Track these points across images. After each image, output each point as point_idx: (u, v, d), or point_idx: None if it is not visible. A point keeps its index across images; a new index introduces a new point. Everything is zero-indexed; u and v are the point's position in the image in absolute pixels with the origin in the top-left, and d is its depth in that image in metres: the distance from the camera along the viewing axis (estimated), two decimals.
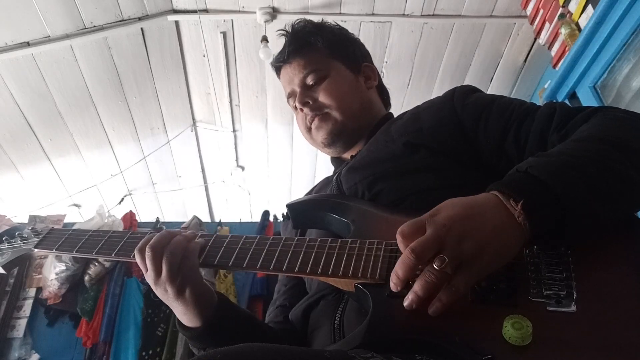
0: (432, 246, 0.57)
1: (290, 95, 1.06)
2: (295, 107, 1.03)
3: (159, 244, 0.76)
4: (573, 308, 0.56)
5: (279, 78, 1.10)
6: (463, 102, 0.89)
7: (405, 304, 0.59)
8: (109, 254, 0.85)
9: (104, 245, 0.86)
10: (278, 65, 1.08)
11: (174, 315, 0.82)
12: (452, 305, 0.57)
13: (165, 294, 0.77)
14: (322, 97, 1.00)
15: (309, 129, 1.03)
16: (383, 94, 1.14)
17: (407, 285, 0.60)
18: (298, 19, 1.08)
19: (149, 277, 0.77)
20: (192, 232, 0.82)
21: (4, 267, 0.92)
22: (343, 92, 1.01)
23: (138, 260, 0.78)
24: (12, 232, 0.97)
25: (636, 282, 0.58)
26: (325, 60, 1.03)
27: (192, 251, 0.77)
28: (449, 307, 0.57)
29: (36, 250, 0.92)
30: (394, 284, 0.60)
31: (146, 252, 0.75)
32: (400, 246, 0.61)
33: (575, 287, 0.58)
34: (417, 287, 0.57)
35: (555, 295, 0.58)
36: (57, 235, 0.92)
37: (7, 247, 0.96)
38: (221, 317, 0.80)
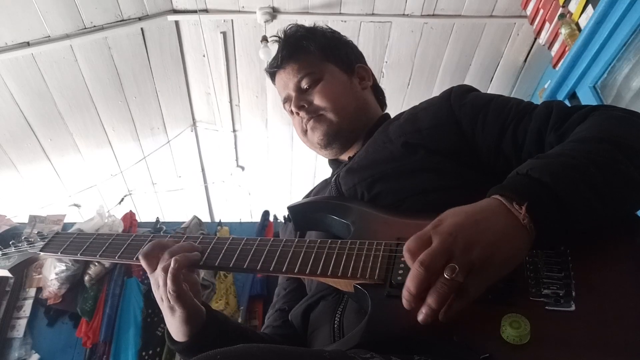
0: (441, 256, 0.55)
1: (286, 99, 1.06)
2: (292, 112, 1.04)
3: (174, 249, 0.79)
4: (572, 307, 0.56)
5: (274, 84, 1.10)
6: (460, 102, 0.89)
7: (420, 318, 0.56)
8: (112, 256, 0.86)
9: (107, 248, 0.88)
10: (272, 71, 1.08)
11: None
12: (462, 311, 0.55)
13: (161, 303, 0.79)
14: (317, 100, 1.00)
15: (305, 132, 1.04)
16: (378, 94, 1.14)
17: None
18: (290, 24, 1.09)
19: (154, 279, 0.79)
20: (190, 242, 0.82)
21: (10, 270, 0.93)
22: (337, 93, 1.01)
23: (144, 264, 0.80)
24: (14, 233, 0.98)
25: (635, 281, 0.58)
26: (318, 64, 1.03)
27: (195, 263, 0.79)
28: (459, 313, 0.55)
29: (42, 253, 0.94)
30: (406, 301, 0.57)
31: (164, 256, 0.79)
32: (409, 262, 0.58)
33: (574, 286, 0.58)
34: (430, 300, 0.55)
35: (554, 295, 0.58)
36: (62, 239, 0.94)
37: (14, 250, 0.97)
38: (207, 334, 0.80)
